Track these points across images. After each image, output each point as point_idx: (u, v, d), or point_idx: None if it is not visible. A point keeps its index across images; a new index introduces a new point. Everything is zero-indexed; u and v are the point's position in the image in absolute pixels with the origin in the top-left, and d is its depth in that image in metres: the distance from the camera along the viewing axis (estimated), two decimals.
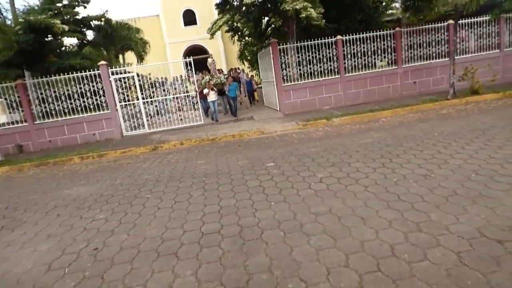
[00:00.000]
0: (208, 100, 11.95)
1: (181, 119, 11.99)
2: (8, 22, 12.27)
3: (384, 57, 12.00)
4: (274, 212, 4.07)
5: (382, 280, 2.60)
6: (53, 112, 11.06)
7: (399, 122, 8.43)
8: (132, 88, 11.38)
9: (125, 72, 11.14)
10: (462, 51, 12.29)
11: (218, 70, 15.02)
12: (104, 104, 11.21)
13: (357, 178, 4.77)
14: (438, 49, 12.10)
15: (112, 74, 11.09)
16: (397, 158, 5.37)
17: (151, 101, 11.88)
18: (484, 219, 3.26)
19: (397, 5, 15.22)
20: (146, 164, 7.58)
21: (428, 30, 11.90)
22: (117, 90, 11.20)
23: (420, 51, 12.05)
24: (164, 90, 11.99)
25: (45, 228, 4.55)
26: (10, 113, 11.33)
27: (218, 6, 12.41)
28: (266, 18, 12.52)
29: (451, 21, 10.58)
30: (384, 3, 11.52)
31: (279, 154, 6.74)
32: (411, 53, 12.01)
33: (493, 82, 10.70)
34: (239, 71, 16.21)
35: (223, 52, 25.93)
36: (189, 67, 11.80)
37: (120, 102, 11.33)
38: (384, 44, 11.78)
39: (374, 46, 11.73)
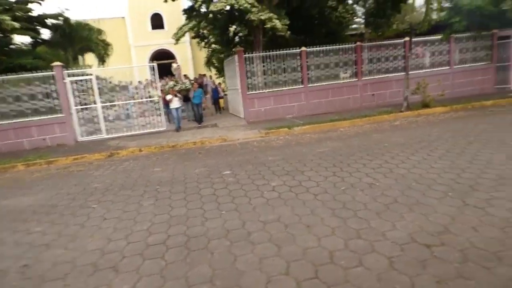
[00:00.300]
0: (171, 107, 11.42)
1: (142, 125, 11.64)
2: None
3: (346, 69, 12.47)
4: (224, 221, 4.03)
5: (319, 287, 2.65)
6: None
7: (355, 132, 8.75)
8: (90, 91, 10.91)
9: (82, 75, 10.66)
10: (417, 67, 13.07)
11: (184, 75, 14.83)
12: (57, 108, 10.62)
13: (309, 186, 4.86)
14: (395, 64, 12.78)
15: (68, 76, 10.57)
16: (347, 167, 5.55)
17: (111, 105, 11.44)
18: (418, 225, 3.45)
19: (362, 20, 15.94)
20: (99, 171, 7.25)
21: (386, 45, 12.55)
22: (73, 93, 10.68)
23: (379, 65, 12.66)
24: (125, 95, 11.59)
25: None
26: None
27: (185, 11, 12.33)
28: (234, 26, 12.60)
29: (407, 38, 11.24)
30: (346, 19, 12.03)
31: (237, 162, 6.73)
32: (371, 66, 12.58)
33: (442, 96, 11.44)
34: (204, 77, 16.11)
35: (190, 58, 25.69)
36: (153, 72, 11.55)
37: (76, 105, 10.80)
38: (345, 57, 12.25)
39: (336, 58, 12.16)
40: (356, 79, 12.50)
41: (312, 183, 4.99)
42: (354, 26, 16.66)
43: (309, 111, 12.20)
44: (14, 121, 10.42)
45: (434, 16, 9.60)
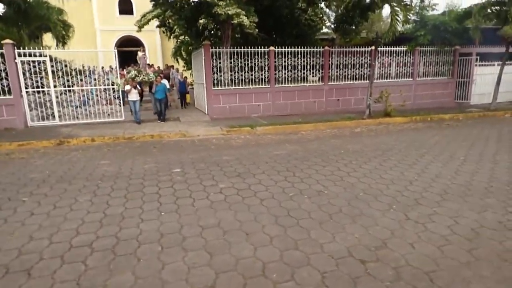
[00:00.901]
0: (129, 99, 10.66)
1: (99, 113, 11.01)
2: None
3: (314, 73, 12.53)
4: (160, 223, 3.80)
5: None
6: None
7: (315, 136, 8.77)
8: (44, 73, 10.16)
9: (34, 55, 9.88)
10: (382, 76, 13.41)
11: (150, 65, 14.21)
12: (6, 89, 9.81)
13: (257, 190, 4.73)
14: (361, 71, 13.02)
15: (19, 55, 9.77)
16: (300, 172, 5.49)
17: (66, 90, 10.72)
18: (357, 238, 3.41)
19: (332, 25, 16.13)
20: (42, 160, 6.73)
21: (354, 52, 12.74)
22: (24, 74, 9.90)
23: (345, 71, 12.83)
24: (81, 80, 10.89)
25: None
26: None
27: None
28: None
29: (373, 47, 11.48)
30: (315, 22, 12.08)
31: (191, 159, 6.49)
32: (337, 72, 12.73)
33: (403, 107, 11.80)
34: (172, 70, 15.57)
35: (159, 47, 24.81)
36: (115, 58, 10.95)
37: (26, 88, 10.02)
38: (313, 61, 12.29)
39: (304, 61, 12.17)
40: (323, 83, 12.60)
41: (261, 187, 4.87)
42: (325, 30, 16.83)
43: (275, 111, 12.15)
44: None
45: (400, 27, 9.82)
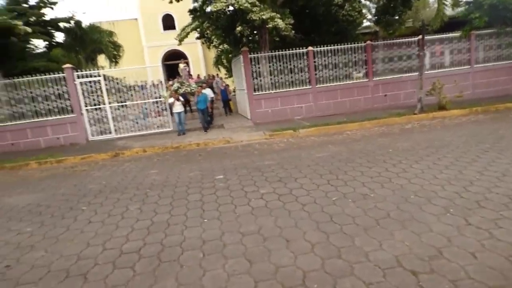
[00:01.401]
0: (174, 111, 10.86)
1: (150, 125, 11.71)
2: None
3: (356, 69, 12.04)
4: (203, 230, 3.89)
5: None
6: (16, 115, 10.66)
7: (361, 135, 8.39)
8: (99, 92, 11.07)
9: (90, 76, 10.83)
10: (434, 66, 12.44)
11: (191, 75, 14.74)
12: (69, 108, 10.87)
13: (298, 195, 4.63)
14: (409, 63, 12.22)
15: (78, 77, 10.78)
16: (344, 175, 5.27)
17: (120, 105, 11.57)
18: (407, 246, 3.14)
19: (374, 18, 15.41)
20: (100, 172, 7.30)
21: (399, 44, 12.01)
22: (83, 94, 10.89)
23: (391, 65, 12.14)
24: (132, 95, 11.67)
25: None
26: None
27: (191, 12, 12.29)
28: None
29: (420, 36, 10.70)
30: (353, 17, 11.60)
31: (233, 166, 6.58)
32: (382, 66, 12.09)
33: (460, 98, 10.82)
34: (216, 78, 15.99)
35: (202, 58, 25.77)
36: (161, 72, 11.58)
37: (86, 106, 11.01)
38: (355, 57, 11.83)
39: (345, 58, 11.76)
40: (367, 79, 12.05)
41: (303, 191, 4.75)
42: (367, 24, 16.08)
43: (318, 112, 11.88)
44: (30, 120, 10.77)
45: (449, 11, 9.01)
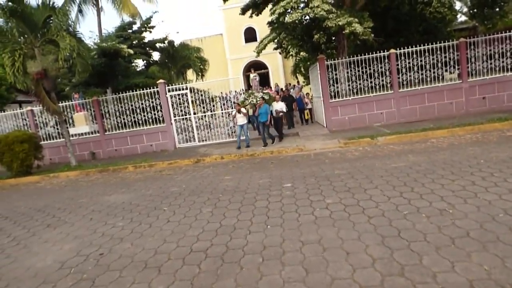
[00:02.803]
0: (237, 124, 10.60)
1: (228, 134, 12.44)
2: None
3: (447, 70, 10.83)
4: (265, 236, 4.02)
5: None
6: (119, 125, 12.53)
7: (448, 144, 7.51)
8: (185, 103, 12.25)
9: (178, 90, 12.10)
10: None
11: (265, 87, 15.01)
12: (161, 118, 12.30)
13: (366, 207, 4.42)
14: None
15: (169, 91, 12.14)
16: (420, 187, 4.82)
17: (203, 115, 12.60)
18: (486, 270, 2.76)
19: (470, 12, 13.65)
20: (182, 176, 8.08)
21: (501, 39, 10.41)
22: (172, 106, 12.20)
23: (491, 63, 10.59)
24: (213, 106, 12.59)
25: (76, 230, 5.19)
26: (94, 123, 13.07)
27: (270, 24, 12.77)
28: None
29: None
30: (443, 13, 10.39)
31: (302, 174, 6.58)
32: (479, 65, 10.62)
33: None
34: (290, 87, 16.08)
35: (281, 67, 26.31)
36: (241, 83, 12.25)
37: (174, 116, 12.30)
38: (445, 57, 10.66)
39: (433, 58, 10.69)
40: (460, 81, 10.73)
41: (372, 203, 4.51)
42: (463, 19, 14.27)
43: (401, 118, 11.04)
44: (130, 130, 12.55)
45: None
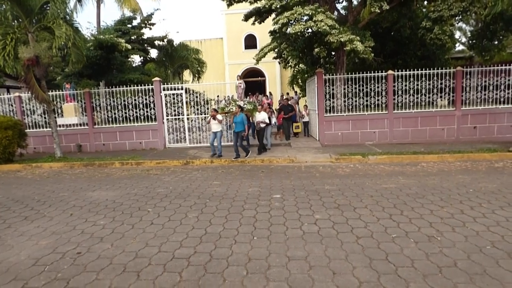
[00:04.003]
0: (211, 131, 10.08)
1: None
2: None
3: (441, 96, 11.02)
4: (251, 247, 3.92)
5: None
6: (110, 119, 12.29)
7: (438, 169, 7.57)
8: (179, 104, 12.11)
9: (174, 89, 11.97)
10: None
11: (253, 94, 14.73)
12: (153, 116, 12.11)
13: (355, 226, 4.37)
14: (508, 93, 10.73)
15: (164, 89, 11.99)
16: (409, 211, 4.80)
17: (196, 117, 12.45)
18: None
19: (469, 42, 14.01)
20: (170, 177, 7.92)
21: (496, 71, 10.65)
22: (166, 105, 12.04)
23: (485, 94, 10.82)
24: (207, 108, 12.46)
25: (55, 225, 4.99)
26: (84, 115, 12.76)
27: (271, 33, 12.81)
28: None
29: None
30: (443, 41, 10.61)
31: (292, 186, 6.52)
32: (473, 95, 10.84)
33: None
34: (290, 97, 15.95)
35: (279, 77, 26.45)
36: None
37: (167, 115, 12.14)
38: (441, 83, 10.84)
39: (429, 84, 10.86)
40: (454, 109, 10.90)
41: (361, 223, 4.47)
42: (460, 48, 14.63)
43: (393, 139, 11.13)
44: (120, 125, 12.30)
45: None
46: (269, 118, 11.10)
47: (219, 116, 10.01)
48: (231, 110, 10.50)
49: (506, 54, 11.65)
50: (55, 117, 11.39)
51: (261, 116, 10.38)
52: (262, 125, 10.32)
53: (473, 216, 4.54)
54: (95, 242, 4.28)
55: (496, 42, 9.95)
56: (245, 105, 11.03)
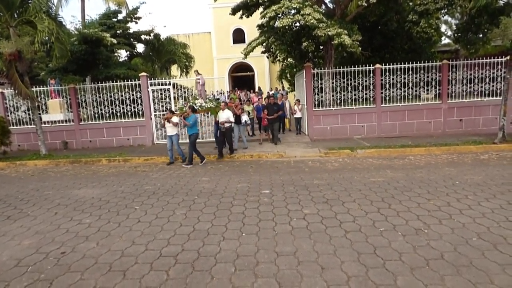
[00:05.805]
0: (167, 134, 9.15)
1: (209, 133, 12.18)
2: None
3: (428, 90, 11.13)
4: (239, 244, 3.88)
5: None
6: (96, 116, 12.04)
7: (426, 162, 7.66)
8: (167, 99, 11.94)
9: (161, 84, 11.78)
10: None
11: (243, 91, 14.57)
12: (140, 112, 11.92)
13: (343, 220, 4.37)
14: (493, 86, 10.91)
15: (151, 85, 11.79)
16: (397, 205, 4.84)
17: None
18: None
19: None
20: (157, 174, 7.81)
21: (481, 64, 10.81)
22: (153, 100, 11.85)
23: (470, 87, 10.98)
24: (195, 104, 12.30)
25: (39, 224, 4.86)
26: (69, 112, 12.44)
27: (259, 27, 12.68)
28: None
29: (508, 57, 9.47)
30: (429, 34, 10.68)
31: (281, 181, 6.50)
32: (459, 88, 10.99)
33: None
34: (279, 91, 15.88)
35: (267, 71, 26.33)
36: (227, 83, 12.05)
37: (155, 111, 11.95)
38: (428, 77, 10.95)
39: (416, 77, 10.96)
40: (440, 102, 11.04)
41: (349, 217, 4.48)
42: (447, 41, 14.79)
43: (381, 133, 11.23)
44: (107, 121, 12.07)
45: None
46: (239, 117, 10.20)
47: (175, 119, 8.97)
48: (201, 108, 9.90)
49: (491, 47, 11.81)
50: (40, 114, 11.10)
51: (224, 115, 9.29)
52: (227, 125, 9.25)
53: (459, 208, 4.60)
54: (80, 241, 4.18)
55: (481, 35, 10.07)
56: (206, 104, 10.36)
